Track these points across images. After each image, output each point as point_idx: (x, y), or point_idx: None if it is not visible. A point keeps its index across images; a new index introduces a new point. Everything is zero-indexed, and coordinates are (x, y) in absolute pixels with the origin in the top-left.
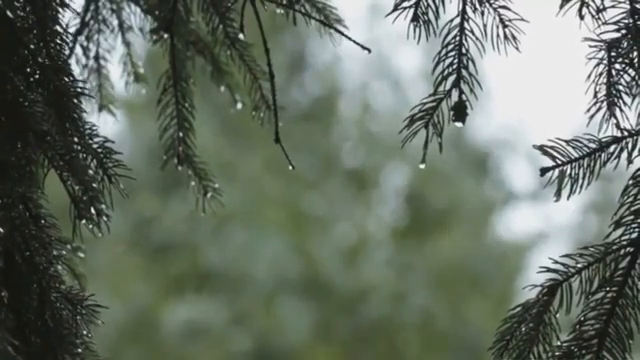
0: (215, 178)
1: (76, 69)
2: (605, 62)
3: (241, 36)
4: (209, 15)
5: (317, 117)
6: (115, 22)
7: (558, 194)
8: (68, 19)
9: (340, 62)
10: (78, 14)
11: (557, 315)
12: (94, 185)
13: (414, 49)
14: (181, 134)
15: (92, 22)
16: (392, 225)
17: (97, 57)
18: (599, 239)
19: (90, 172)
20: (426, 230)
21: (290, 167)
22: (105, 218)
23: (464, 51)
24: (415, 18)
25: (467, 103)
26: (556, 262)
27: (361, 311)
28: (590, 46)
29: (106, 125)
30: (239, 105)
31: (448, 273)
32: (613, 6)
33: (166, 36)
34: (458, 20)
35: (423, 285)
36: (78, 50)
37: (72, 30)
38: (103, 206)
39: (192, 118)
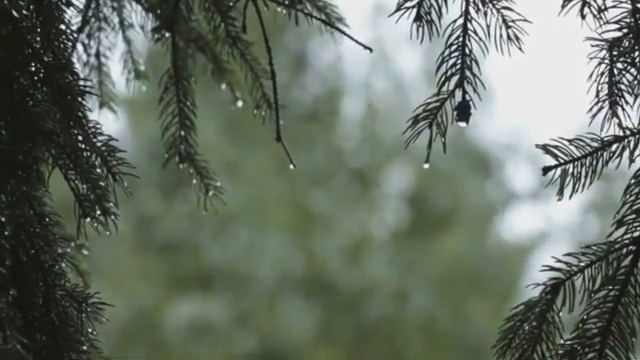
0: (217, 177)
1: (77, 66)
2: (607, 61)
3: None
4: (210, 14)
5: (320, 117)
6: (116, 20)
7: (560, 193)
8: (70, 16)
9: (343, 62)
10: (80, 11)
11: (560, 314)
12: (101, 183)
13: (417, 49)
14: (182, 133)
15: (93, 20)
16: (395, 225)
17: (98, 54)
18: (600, 239)
19: (97, 170)
20: (428, 230)
21: (291, 166)
22: (112, 216)
23: (467, 52)
24: (418, 18)
25: (471, 103)
26: (559, 261)
27: (363, 310)
28: (592, 45)
29: (107, 123)
30: (239, 103)
31: (450, 273)
32: (614, 6)
33: (168, 35)
34: (461, 21)
35: (425, 285)
36: (79, 47)
37: (74, 27)
38: (110, 204)
39: (193, 116)
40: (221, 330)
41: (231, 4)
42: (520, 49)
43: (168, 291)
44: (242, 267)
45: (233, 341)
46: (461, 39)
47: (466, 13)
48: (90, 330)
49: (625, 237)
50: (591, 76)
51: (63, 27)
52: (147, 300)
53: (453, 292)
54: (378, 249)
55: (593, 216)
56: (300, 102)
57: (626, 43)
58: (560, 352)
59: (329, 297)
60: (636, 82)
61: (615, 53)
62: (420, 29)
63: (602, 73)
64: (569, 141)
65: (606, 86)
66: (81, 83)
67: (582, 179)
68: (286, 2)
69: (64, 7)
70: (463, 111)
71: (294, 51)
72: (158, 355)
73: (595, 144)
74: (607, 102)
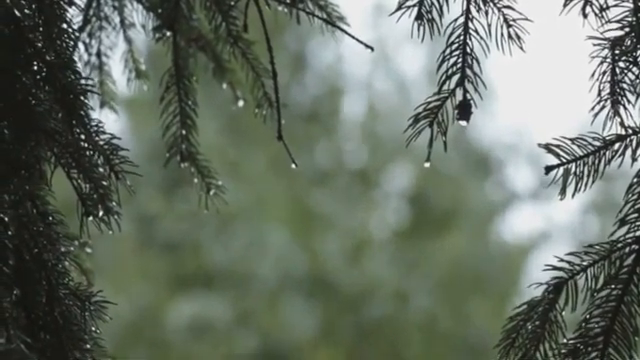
0: (218, 176)
1: (79, 65)
2: (609, 60)
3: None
4: (212, 13)
5: (320, 117)
6: (117, 19)
7: (563, 192)
8: (71, 15)
9: (343, 62)
10: (82, 10)
11: (563, 313)
12: (103, 182)
13: (419, 49)
14: (184, 132)
15: (94, 19)
16: (395, 225)
17: (99, 54)
18: (601, 239)
19: (100, 169)
20: (429, 230)
21: (293, 165)
22: (115, 215)
23: (468, 50)
24: (419, 17)
25: (471, 102)
26: (561, 260)
27: (364, 310)
28: (594, 44)
29: (107, 122)
30: (240, 103)
31: (451, 273)
32: (616, 5)
33: (169, 34)
34: (462, 19)
35: (426, 285)
36: (80, 47)
37: (75, 26)
38: (113, 203)
39: (195, 116)
40: (222, 329)
41: (232, 3)
42: (521, 48)
43: (169, 290)
44: (243, 267)
45: (234, 341)
46: (462, 38)
47: (467, 12)
48: (93, 329)
49: (627, 236)
50: (593, 75)
51: (65, 26)
52: (148, 299)
53: (454, 292)
54: (379, 249)
55: (593, 216)
56: (300, 102)
57: (628, 42)
58: (563, 351)
59: (330, 297)
60: (638, 81)
61: (617, 52)
62: (421, 27)
63: (604, 72)
64: (571, 140)
65: (608, 85)
66: (83, 82)
67: (584, 178)
68: (287, 1)
69: (66, 6)
70: (464, 110)
71: (294, 51)
72: (159, 354)
73: (597, 143)
74: (609, 101)
